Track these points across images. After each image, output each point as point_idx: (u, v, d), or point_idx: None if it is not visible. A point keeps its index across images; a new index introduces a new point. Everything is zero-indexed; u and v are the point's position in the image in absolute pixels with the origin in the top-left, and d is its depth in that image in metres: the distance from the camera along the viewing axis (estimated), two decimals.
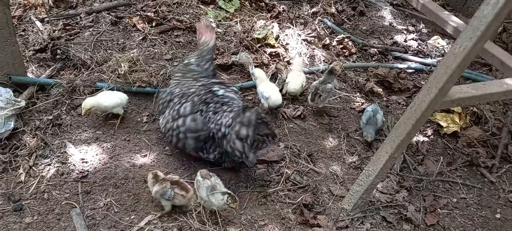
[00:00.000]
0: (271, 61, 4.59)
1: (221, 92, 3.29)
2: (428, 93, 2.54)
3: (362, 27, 5.60)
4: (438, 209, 3.27)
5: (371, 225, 3.02)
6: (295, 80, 4.02)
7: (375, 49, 5.09)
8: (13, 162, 3.04)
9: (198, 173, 2.80)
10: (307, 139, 3.75)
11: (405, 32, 5.63)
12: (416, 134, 3.97)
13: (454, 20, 3.37)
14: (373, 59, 5.01)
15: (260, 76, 3.98)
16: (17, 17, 4.55)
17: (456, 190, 3.49)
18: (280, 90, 4.00)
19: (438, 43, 5.41)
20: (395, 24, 5.77)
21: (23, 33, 4.38)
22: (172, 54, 4.40)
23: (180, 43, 4.61)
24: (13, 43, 3.37)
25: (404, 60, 5.07)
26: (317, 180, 3.37)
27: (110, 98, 3.40)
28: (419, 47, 5.33)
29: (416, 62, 4.99)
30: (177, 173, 3.16)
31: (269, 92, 3.78)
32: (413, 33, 5.62)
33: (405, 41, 5.42)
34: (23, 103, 3.31)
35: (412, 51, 5.24)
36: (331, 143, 3.75)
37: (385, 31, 5.59)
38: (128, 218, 2.78)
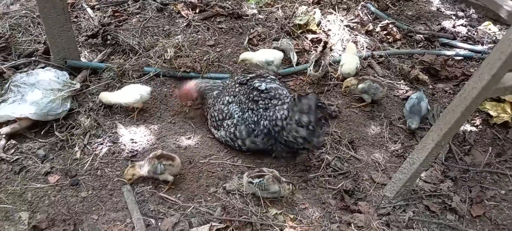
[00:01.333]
0: (312, 47, 4.57)
1: (263, 86, 3.32)
2: (479, 79, 2.45)
3: (408, 12, 5.42)
4: (485, 201, 3.16)
5: (413, 213, 2.98)
6: (350, 62, 4.02)
7: (421, 36, 4.92)
8: (69, 140, 3.26)
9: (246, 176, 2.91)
10: (348, 125, 3.73)
11: (453, 17, 5.39)
12: (464, 123, 3.83)
13: (509, 4, 3.21)
14: (419, 45, 4.86)
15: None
16: (70, 4, 4.80)
17: (505, 182, 3.36)
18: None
19: (489, 29, 5.13)
20: (443, 9, 5.54)
21: (75, 19, 4.62)
22: (214, 40, 4.49)
23: (223, 29, 4.68)
24: (68, 29, 3.58)
25: (452, 47, 4.87)
26: (358, 167, 3.36)
27: (130, 95, 3.44)
28: (469, 33, 5.09)
29: (465, 49, 4.78)
30: (219, 156, 3.26)
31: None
32: (462, 19, 5.38)
33: (454, 27, 5.19)
34: (78, 85, 3.52)
35: (460, 37, 5.02)
36: (373, 130, 3.71)
37: (432, 16, 5.38)
38: (174, 196, 2.91)
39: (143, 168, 2.90)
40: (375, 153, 3.50)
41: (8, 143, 3.15)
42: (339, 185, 3.15)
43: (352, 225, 2.80)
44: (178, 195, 2.93)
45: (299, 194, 3.06)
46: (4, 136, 3.14)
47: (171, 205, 2.84)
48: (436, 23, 5.26)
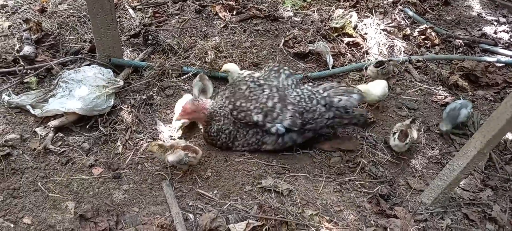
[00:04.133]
0: (348, 51, 4.56)
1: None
2: None
3: (447, 17, 5.30)
4: None
5: (451, 221, 2.93)
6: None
7: (461, 41, 4.81)
8: (112, 135, 3.40)
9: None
10: (384, 130, 3.70)
11: (495, 23, 5.24)
12: (508, 132, 3.72)
13: None
14: (458, 51, 4.75)
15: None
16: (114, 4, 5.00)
17: None
18: None
19: None
20: (484, 15, 5.39)
21: (118, 19, 4.80)
22: (250, 42, 4.56)
23: (259, 31, 4.75)
24: (114, 28, 3.73)
25: (493, 53, 4.73)
26: (394, 172, 3.33)
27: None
28: (511, 40, 4.93)
29: (507, 56, 4.64)
30: (254, 156, 3.32)
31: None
32: (505, 25, 5.21)
33: (495, 33, 5.05)
34: (121, 83, 3.66)
35: (502, 44, 4.87)
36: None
37: (473, 22, 5.25)
38: (211, 193, 2.99)
39: (169, 155, 2.99)
40: (411, 158, 3.46)
41: (56, 135, 3.32)
42: (375, 189, 3.13)
43: (388, 229, 2.78)
44: (215, 192, 3.00)
45: (334, 197, 3.07)
46: (52, 128, 3.31)
47: (208, 201, 2.92)
48: (476, 28, 5.13)
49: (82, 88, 3.47)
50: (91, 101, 3.41)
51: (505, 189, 3.26)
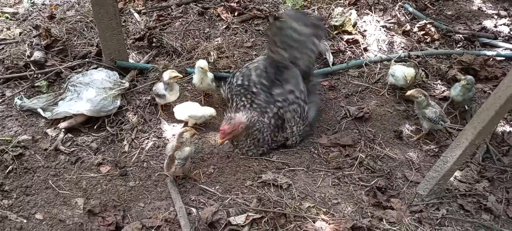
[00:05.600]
0: (348, 48, 4.65)
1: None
2: None
3: (447, 12, 5.35)
4: None
5: (447, 211, 3.00)
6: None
7: (461, 35, 4.85)
8: (119, 135, 3.55)
9: None
10: (382, 124, 3.78)
11: (495, 17, 5.26)
12: (503, 124, 3.78)
13: None
14: (458, 46, 4.80)
15: None
16: (119, 9, 5.16)
17: None
18: None
19: None
20: (484, 9, 5.42)
21: (123, 24, 4.96)
22: (252, 42, 4.68)
23: (260, 31, 4.86)
24: (119, 32, 3.89)
25: (493, 46, 4.76)
26: (391, 165, 3.41)
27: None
28: (511, 33, 4.95)
29: (506, 49, 4.67)
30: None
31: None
32: (506, 18, 5.23)
33: (495, 26, 5.07)
34: (127, 84, 3.81)
35: (502, 37, 4.90)
36: (408, 129, 3.74)
37: (473, 16, 5.28)
38: (213, 188, 3.11)
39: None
40: (409, 151, 3.54)
41: (66, 136, 3.48)
42: (372, 182, 3.22)
43: (383, 220, 2.87)
44: (217, 187, 3.12)
45: (332, 190, 3.17)
46: (62, 130, 3.48)
47: (210, 196, 3.04)
48: (476, 22, 5.16)
49: (90, 91, 3.63)
50: (98, 103, 3.56)
51: (501, 180, 3.32)
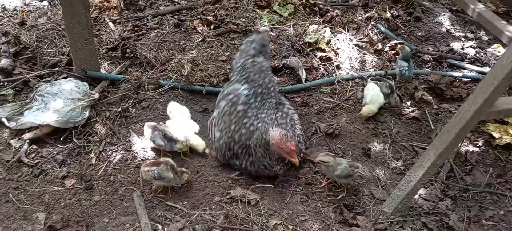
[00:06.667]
0: (321, 65, 4.73)
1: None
2: (473, 103, 2.56)
3: (417, 33, 5.52)
4: (483, 220, 3.22)
5: (411, 229, 3.07)
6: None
7: (429, 56, 5.01)
8: (86, 147, 3.48)
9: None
10: (352, 141, 3.84)
11: (463, 39, 5.46)
12: (466, 144, 3.90)
13: (510, 30, 3.30)
14: (427, 66, 4.95)
15: None
16: (93, 18, 5.09)
17: (504, 203, 3.41)
18: None
19: (499, 51, 5.19)
20: (453, 31, 5.62)
21: (97, 33, 4.90)
22: (227, 56, 4.69)
23: (235, 46, 4.88)
24: (90, 42, 3.84)
25: (460, 68, 4.94)
26: (359, 182, 3.46)
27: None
28: (477, 55, 5.15)
29: (472, 70, 4.85)
30: (225, 169, 3.43)
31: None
32: (472, 41, 5.43)
33: (462, 48, 5.26)
34: (96, 95, 3.75)
35: (469, 59, 5.08)
36: (376, 147, 3.81)
37: (442, 37, 5.47)
38: (180, 204, 3.08)
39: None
40: (376, 169, 3.61)
41: (30, 147, 3.38)
42: (339, 197, 3.26)
43: None
44: (185, 203, 3.10)
45: (300, 207, 3.19)
46: (27, 141, 3.38)
47: (177, 212, 3.01)
48: (445, 44, 5.34)
49: (58, 101, 3.56)
50: (66, 114, 3.49)
51: (464, 199, 3.42)
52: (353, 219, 3.10)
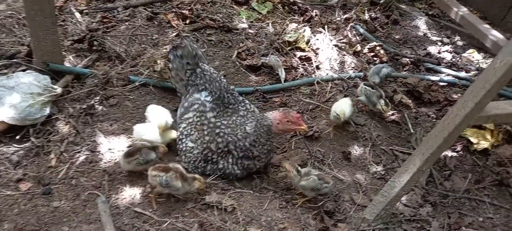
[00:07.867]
0: (300, 65, 4.59)
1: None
2: (463, 107, 2.48)
3: (395, 36, 5.49)
4: (463, 227, 3.18)
5: None
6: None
7: (407, 59, 4.98)
8: (45, 147, 3.16)
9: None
10: (332, 145, 3.72)
11: (439, 43, 5.49)
12: (446, 150, 3.86)
13: (494, 34, 3.28)
14: (405, 69, 4.92)
15: None
16: (58, 7, 4.73)
17: (483, 209, 3.39)
18: None
19: (473, 57, 5.24)
20: (429, 35, 5.64)
21: (62, 23, 4.54)
22: (203, 53, 4.46)
23: (212, 42, 4.67)
24: (54, 33, 3.52)
25: (436, 72, 4.94)
26: (340, 187, 3.34)
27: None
28: (453, 60, 5.18)
29: (449, 75, 4.85)
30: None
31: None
32: (448, 45, 5.47)
33: (439, 53, 5.29)
34: (59, 90, 3.44)
35: (445, 63, 5.10)
36: (356, 151, 3.71)
37: (419, 41, 5.47)
38: (150, 210, 2.84)
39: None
40: (357, 173, 3.50)
41: None
42: (319, 204, 3.12)
43: None
44: (155, 209, 2.86)
45: (279, 213, 3.02)
46: None
47: (146, 219, 2.77)
48: (422, 48, 5.35)
49: (14, 96, 3.22)
50: (23, 110, 3.17)
51: (444, 205, 3.37)
52: (334, 227, 2.97)
